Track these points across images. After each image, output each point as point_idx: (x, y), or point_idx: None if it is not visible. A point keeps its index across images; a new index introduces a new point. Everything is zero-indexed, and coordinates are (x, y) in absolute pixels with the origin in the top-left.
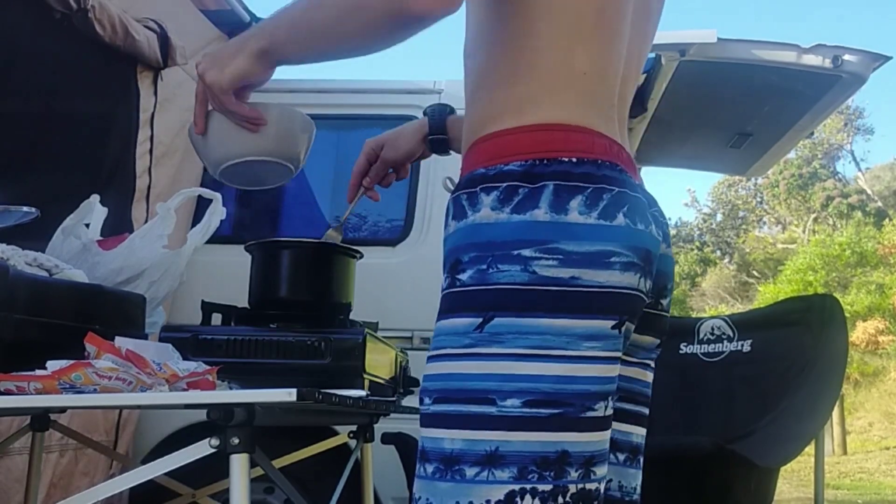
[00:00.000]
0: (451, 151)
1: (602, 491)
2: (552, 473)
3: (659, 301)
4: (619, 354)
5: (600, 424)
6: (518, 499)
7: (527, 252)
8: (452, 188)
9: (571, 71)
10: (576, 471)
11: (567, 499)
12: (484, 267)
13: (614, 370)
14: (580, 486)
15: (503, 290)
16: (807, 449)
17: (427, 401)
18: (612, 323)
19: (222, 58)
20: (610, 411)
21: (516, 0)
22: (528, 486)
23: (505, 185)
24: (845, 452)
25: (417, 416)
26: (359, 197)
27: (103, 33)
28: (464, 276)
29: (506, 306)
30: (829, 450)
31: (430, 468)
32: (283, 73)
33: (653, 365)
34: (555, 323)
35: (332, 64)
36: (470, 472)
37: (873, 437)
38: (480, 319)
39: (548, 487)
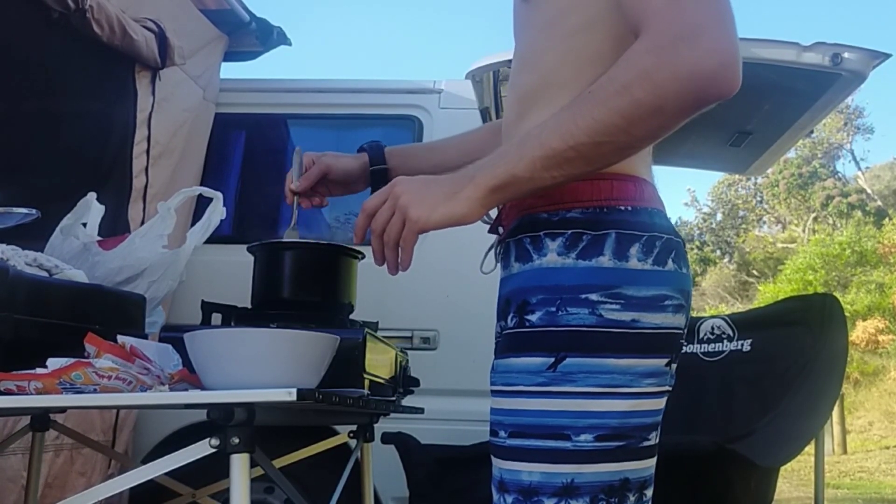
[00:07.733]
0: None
1: None
2: (616, 499)
3: None
4: (669, 389)
5: (652, 452)
6: None
7: (594, 296)
8: (490, 221)
9: None
10: (633, 495)
11: None
12: (553, 309)
13: (663, 403)
14: None
15: (573, 332)
16: (807, 448)
17: (502, 433)
18: (666, 360)
19: (434, 195)
20: (657, 440)
21: (585, 56)
22: None
23: (570, 231)
24: (845, 452)
25: (416, 416)
26: (296, 202)
27: (101, 33)
28: (533, 318)
29: (576, 347)
30: (829, 449)
31: (509, 499)
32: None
33: None
34: (620, 363)
35: (331, 64)
36: (548, 502)
37: (873, 436)
38: (552, 359)
39: None
